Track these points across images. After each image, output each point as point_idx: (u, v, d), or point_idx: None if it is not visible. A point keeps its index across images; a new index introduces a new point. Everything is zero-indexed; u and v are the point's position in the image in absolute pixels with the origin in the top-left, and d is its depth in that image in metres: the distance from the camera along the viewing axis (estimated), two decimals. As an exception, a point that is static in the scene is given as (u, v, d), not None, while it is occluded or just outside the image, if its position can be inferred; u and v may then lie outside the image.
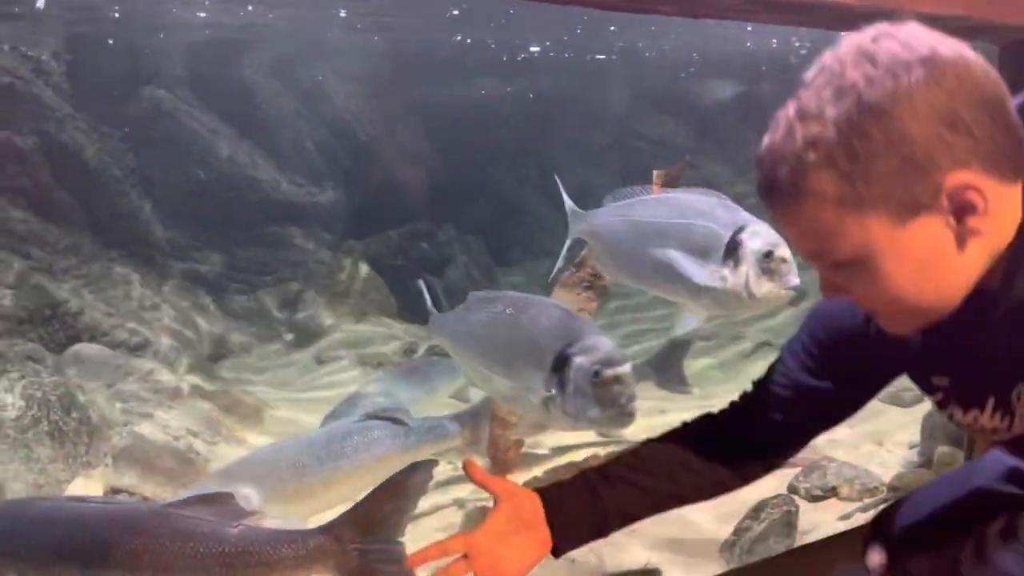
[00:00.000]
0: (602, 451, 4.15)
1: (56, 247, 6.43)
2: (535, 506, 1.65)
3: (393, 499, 2.18)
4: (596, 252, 3.33)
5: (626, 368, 2.40)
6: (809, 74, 1.24)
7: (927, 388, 1.55)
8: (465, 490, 4.25)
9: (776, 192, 1.27)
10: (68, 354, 5.18)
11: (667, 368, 4.69)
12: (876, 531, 1.74)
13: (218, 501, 2.41)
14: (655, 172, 3.68)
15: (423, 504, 4.09)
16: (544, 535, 1.64)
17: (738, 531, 3.21)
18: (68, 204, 6.74)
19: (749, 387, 1.77)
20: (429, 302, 3.49)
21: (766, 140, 1.28)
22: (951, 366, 1.47)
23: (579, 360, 2.40)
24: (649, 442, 1.77)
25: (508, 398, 2.82)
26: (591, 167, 11.26)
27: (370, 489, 2.65)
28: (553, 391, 2.45)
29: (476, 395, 4.42)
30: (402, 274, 8.58)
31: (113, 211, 7.21)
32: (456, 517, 3.84)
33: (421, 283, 3.53)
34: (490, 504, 1.66)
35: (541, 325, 2.59)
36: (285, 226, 8.58)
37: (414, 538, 3.64)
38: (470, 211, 10.11)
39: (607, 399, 2.38)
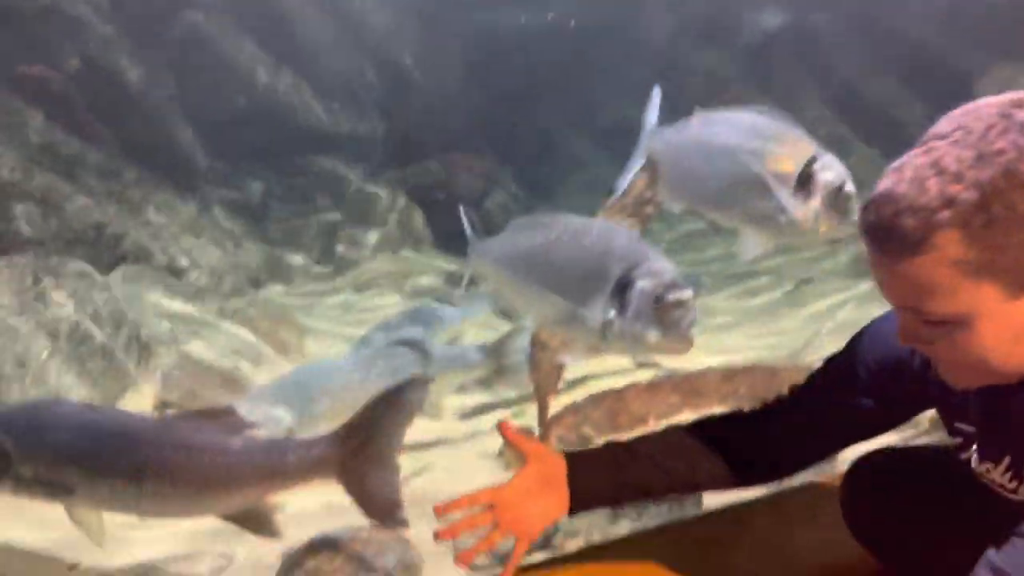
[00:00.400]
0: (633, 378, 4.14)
1: (100, 171, 6.49)
2: (560, 468, 1.77)
3: (390, 412, 2.24)
4: (663, 171, 3.21)
5: (689, 293, 2.37)
6: (941, 128, 1.24)
7: (951, 430, 1.59)
8: (503, 415, 4.29)
9: (893, 240, 1.25)
10: (116, 274, 5.27)
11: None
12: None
13: (220, 414, 2.46)
14: (696, 108, 3.61)
15: (462, 430, 4.18)
16: (564, 496, 1.77)
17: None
18: (111, 128, 6.77)
19: (785, 393, 1.82)
20: (469, 229, 3.42)
21: (888, 184, 1.25)
22: (981, 419, 1.50)
23: (642, 284, 2.38)
24: (678, 427, 1.86)
25: (561, 322, 2.74)
26: (633, 100, 11.07)
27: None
28: (612, 315, 2.43)
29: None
30: (440, 205, 8.58)
31: (155, 136, 7.25)
32: (495, 443, 3.89)
33: (461, 209, 3.47)
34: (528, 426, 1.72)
35: (603, 248, 2.54)
36: (324, 155, 8.58)
37: (455, 463, 3.72)
38: (508, 143, 10.02)
39: (669, 323, 2.35)
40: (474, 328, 5.37)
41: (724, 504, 2.62)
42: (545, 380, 3.53)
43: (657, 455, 1.80)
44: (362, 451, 2.25)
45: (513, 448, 1.84)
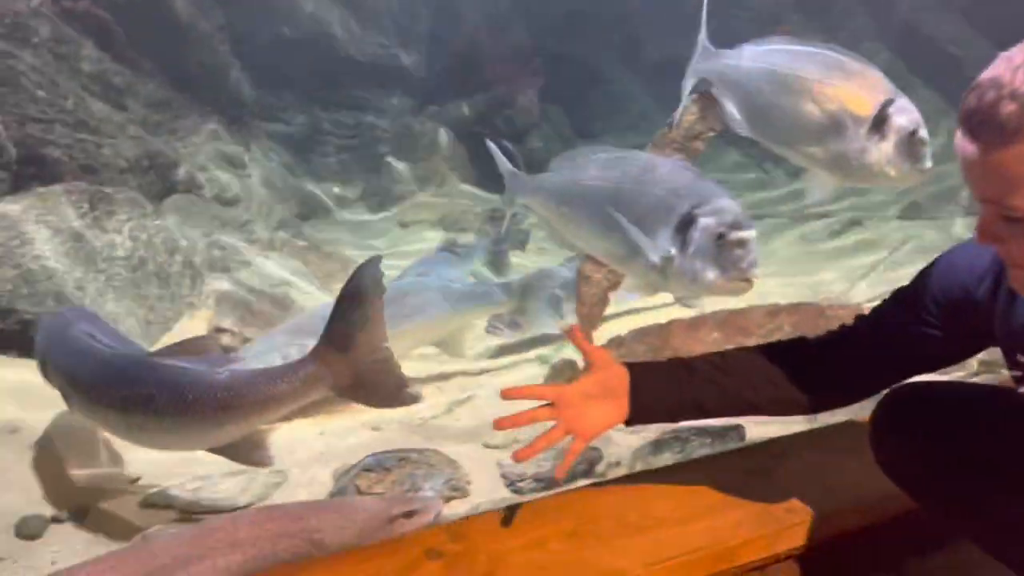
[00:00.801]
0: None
1: (150, 101, 6.55)
2: (623, 379, 1.81)
3: (356, 307, 2.24)
4: (724, 98, 3.13)
5: (752, 232, 2.38)
6: None
7: (1012, 363, 1.59)
8: (547, 348, 4.35)
9: (989, 127, 1.23)
10: (167, 203, 5.37)
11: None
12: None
13: (198, 347, 2.49)
14: (775, 32, 3.54)
15: (507, 360, 4.25)
16: (624, 405, 1.81)
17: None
18: (161, 58, 6.80)
19: (850, 321, 1.83)
20: (506, 163, 3.32)
21: (995, 71, 1.24)
22: None
23: (706, 221, 2.38)
24: (741, 349, 1.88)
25: (620, 258, 2.74)
26: (679, 36, 10.82)
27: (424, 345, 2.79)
28: (673, 251, 2.43)
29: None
30: (483, 141, 8.54)
31: (203, 68, 7.27)
32: (540, 371, 3.95)
33: (491, 144, 3.41)
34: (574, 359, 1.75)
35: (669, 184, 2.54)
36: (369, 88, 8.55)
37: (496, 394, 3.78)
38: (552, 79, 9.88)
39: (730, 262, 2.37)
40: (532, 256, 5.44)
41: (767, 437, 2.66)
42: (589, 313, 3.55)
43: (719, 375, 1.83)
44: (347, 353, 2.26)
45: (582, 353, 1.87)
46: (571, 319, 4.26)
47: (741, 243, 2.36)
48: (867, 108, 2.69)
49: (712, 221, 2.38)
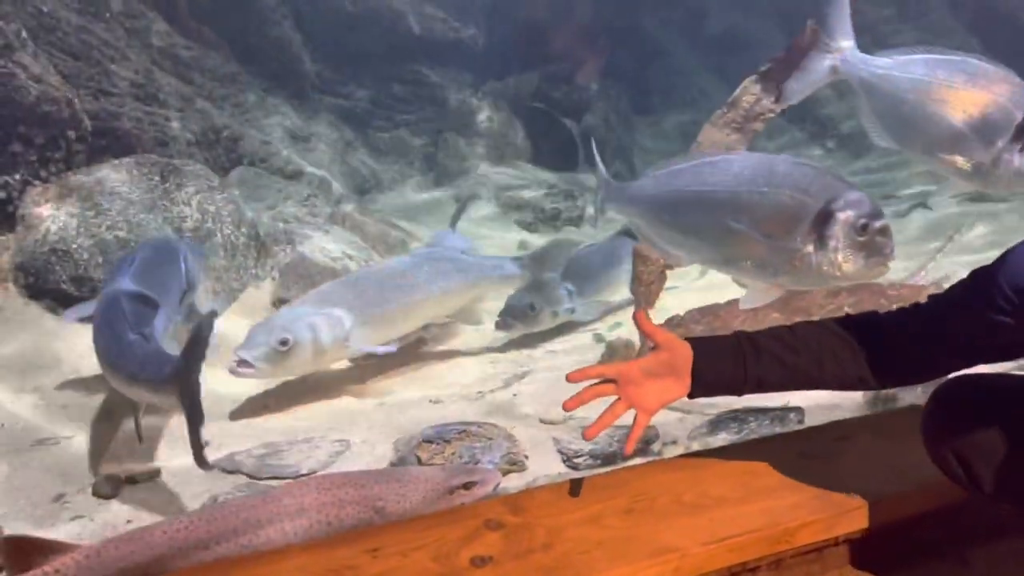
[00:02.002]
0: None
1: (216, 75, 6.67)
2: (687, 356, 1.85)
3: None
4: (867, 102, 3.07)
5: (887, 220, 2.45)
6: None
7: None
8: (602, 327, 4.37)
9: None
10: (232, 176, 5.49)
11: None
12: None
13: None
14: (809, 22, 3.46)
15: (565, 339, 4.26)
16: (686, 381, 1.86)
17: (887, 381, 3.18)
18: (226, 33, 6.92)
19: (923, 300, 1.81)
20: (603, 170, 3.22)
21: None
22: None
23: (845, 215, 2.43)
24: (808, 324, 1.90)
25: (735, 264, 2.76)
26: (740, 9, 10.61)
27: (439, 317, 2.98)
28: (810, 248, 2.47)
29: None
30: (540, 118, 8.53)
31: (266, 42, 7.37)
32: (596, 351, 3.97)
33: (572, 123, 3.38)
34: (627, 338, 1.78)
35: (793, 183, 2.54)
36: (428, 63, 8.57)
37: (555, 372, 3.80)
38: (611, 55, 9.78)
39: (875, 250, 2.42)
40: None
41: (827, 420, 2.64)
42: (647, 291, 3.55)
43: (786, 352, 1.85)
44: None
45: (648, 336, 1.91)
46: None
47: (883, 231, 2.42)
48: (1008, 117, 2.71)
49: (851, 214, 2.43)
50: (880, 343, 1.83)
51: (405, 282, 3.61)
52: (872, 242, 2.41)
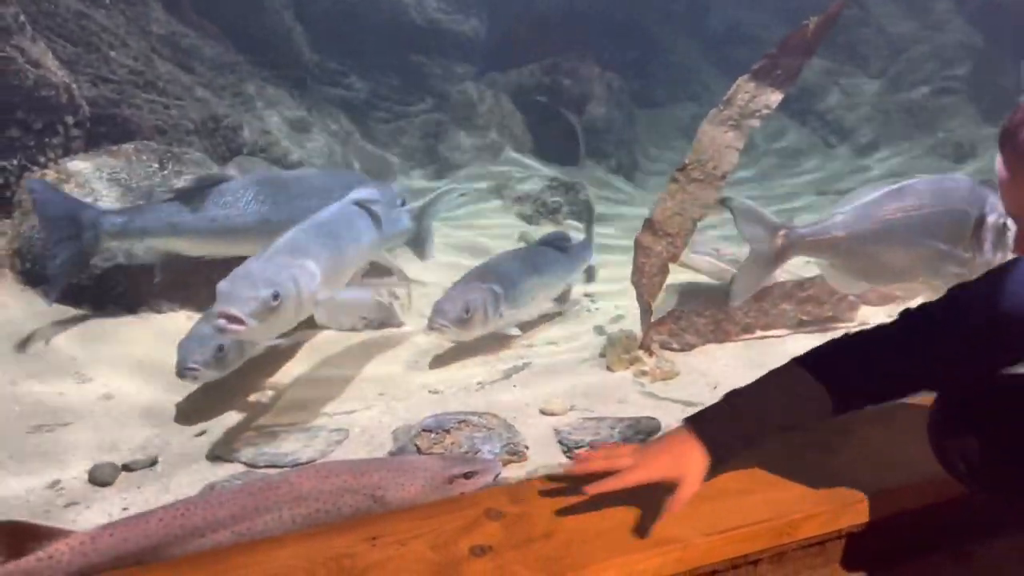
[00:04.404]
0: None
1: (216, 63, 6.63)
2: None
3: None
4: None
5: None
6: None
7: None
8: (603, 320, 4.34)
9: (1011, 145, 1.42)
10: (231, 165, 5.44)
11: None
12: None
13: None
14: (811, 19, 3.47)
15: (565, 331, 4.24)
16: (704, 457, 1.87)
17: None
18: (226, 21, 6.88)
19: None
20: (774, 219, 3.31)
21: None
22: None
23: (992, 218, 2.99)
24: (777, 372, 1.90)
25: (932, 270, 3.22)
26: (743, 4, 10.58)
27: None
28: (972, 250, 3.04)
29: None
30: (542, 109, 8.49)
31: (267, 31, 7.32)
32: (597, 341, 3.94)
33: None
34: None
35: (959, 198, 3.10)
36: (429, 54, 8.54)
37: (555, 362, 3.78)
38: (613, 48, 9.75)
39: (1006, 245, 2.98)
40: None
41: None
42: (649, 283, 3.53)
43: (757, 411, 1.88)
44: None
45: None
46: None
47: (1008, 226, 2.95)
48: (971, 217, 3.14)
49: (996, 217, 2.98)
50: (856, 372, 1.87)
51: (351, 233, 3.41)
52: (1006, 237, 2.94)
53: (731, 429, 1.87)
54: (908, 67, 9.52)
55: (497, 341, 3.93)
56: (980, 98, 9.00)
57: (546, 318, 4.33)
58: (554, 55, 8.85)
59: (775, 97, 3.60)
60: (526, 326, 4.14)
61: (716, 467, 1.87)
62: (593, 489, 1.84)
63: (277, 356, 3.67)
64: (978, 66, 9.07)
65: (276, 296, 2.71)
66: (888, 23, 9.87)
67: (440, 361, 3.75)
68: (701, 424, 1.88)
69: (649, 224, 3.53)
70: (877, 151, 8.85)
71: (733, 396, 1.91)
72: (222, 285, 2.69)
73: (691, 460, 1.85)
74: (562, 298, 4.39)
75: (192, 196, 3.76)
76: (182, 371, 3.11)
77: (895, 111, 9.23)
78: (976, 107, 8.96)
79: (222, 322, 2.62)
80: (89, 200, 4.00)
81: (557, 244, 4.51)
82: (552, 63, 8.83)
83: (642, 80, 10.22)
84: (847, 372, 1.86)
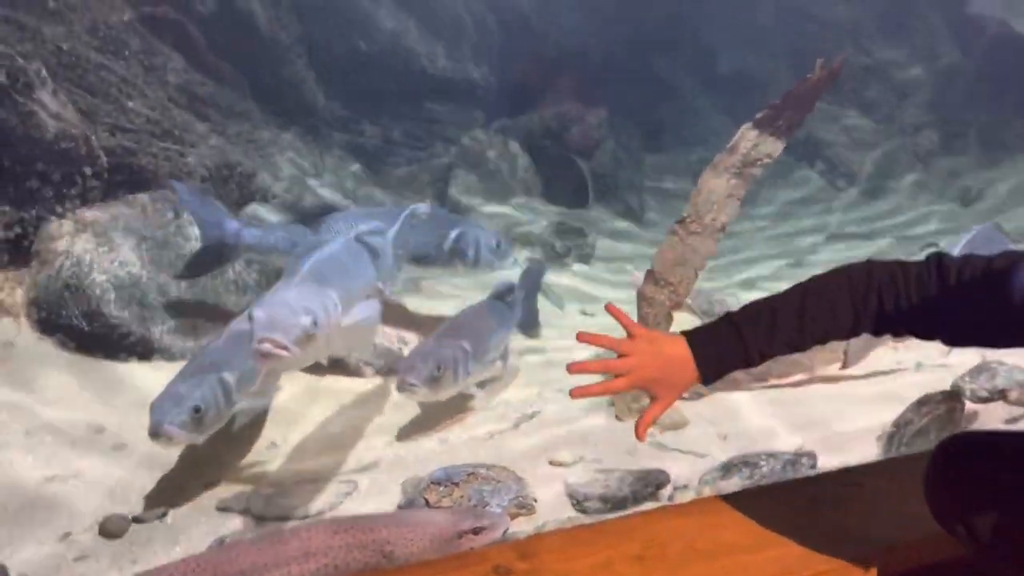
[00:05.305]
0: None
1: (231, 111, 6.75)
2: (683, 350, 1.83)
3: None
4: None
5: None
6: None
7: None
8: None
9: None
10: (245, 212, 5.53)
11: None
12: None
13: None
14: (818, 61, 3.53)
15: (573, 377, 4.23)
16: (691, 368, 1.82)
17: (899, 423, 3.16)
18: (242, 70, 7.01)
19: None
20: None
21: None
22: None
23: None
24: (807, 284, 1.82)
25: None
26: (751, 49, 10.70)
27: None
28: None
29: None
30: (550, 155, 8.59)
31: (281, 79, 7.46)
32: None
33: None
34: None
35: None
36: (440, 101, 8.66)
37: (564, 407, 3.79)
38: (621, 93, 9.86)
39: None
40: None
41: (839, 465, 2.62)
42: (656, 314, 3.55)
43: (761, 335, 1.81)
44: None
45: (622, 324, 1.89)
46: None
47: None
48: None
49: None
50: (889, 306, 1.76)
51: (358, 267, 3.40)
52: None
53: (729, 352, 1.82)
54: (915, 112, 9.60)
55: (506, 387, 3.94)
56: (986, 143, 9.08)
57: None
58: (562, 101, 8.97)
59: (777, 146, 3.65)
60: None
61: (706, 383, 1.86)
62: (578, 392, 1.81)
63: (286, 405, 3.69)
64: (984, 111, 9.16)
65: (316, 323, 2.66)
66: (894, 69, 9.98)
67: (449, 409, 3.76)
68: (698, 342, 1.83)
69: (650, 275, 3.56)
70: (885, 194, 8.89)
71: (737, 316, 1.84)
72: (259, 313, 2.61)
73: (679, 377, 1.82)
74: (503, 356, 4.01)
75: (314, 222, 4.18)
76: (156, 432, 2.82)
77: (902, 154, 9.30)
78: (983, 152, 9.03)
79: (266, 347, 2.52)
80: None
81: (504, 298, 4.24)
82: (560, 109, 8.95)
83: (649, 124, 10.32)
84: (879, 302, 1.76)
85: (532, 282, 4.60)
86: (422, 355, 3.39)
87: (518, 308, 4.38)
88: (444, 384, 3.37)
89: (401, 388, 3.31)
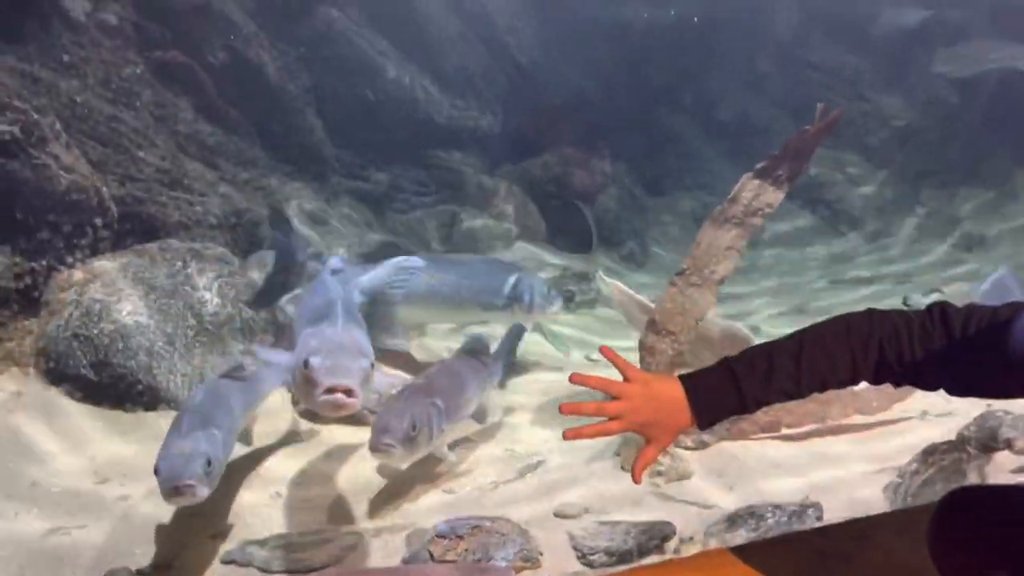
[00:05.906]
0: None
1: (239, 159, 6.85)
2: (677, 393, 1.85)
3: None
4: None
5: None
6: None
7: None
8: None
9: None
10: (252, 259, 5.57)
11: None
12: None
13: None
14: (819, 105, 3.58)
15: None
16: (687, 413, 1.84)
17: (904, 474, 3.15)
18: (251, 119, 7.12)
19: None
20: None
21: None
22: None
23: None
24: (811, 331, 1.83)
25: None
26: (751, 95, 10.83)
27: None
28: None
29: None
30: (555, 201, 8.67)
31: (289, 128, 7.57)
32: (614, 441, 3.93)
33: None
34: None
35: None
36: (446, 149, 8.77)
37: (568, 461, 3.78)
38: (624, 139, 9.98)
39: None
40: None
41: (846, 517, 2.61)
42: (657, 362, 3.56)
43: (758, 384, 1.81)
44: None
45: (616, 367, 1.91)
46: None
47: None
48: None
49: None
50: (891, 355, 1.76)
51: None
52: None
53: (724, 398, 1.82)
54: (915, 157, 9.69)
55: (512, 438, 3.92)
56: (987, 189, 9.15)
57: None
58: (566, 147, 9.08)
59: (778, 196, 3.69)
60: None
61: (701, 428, 1.88)
62: (571, 434, 1.84)
63: (287, 453, 3.69)
64: (985, 157, 9.24)
65: (372, 365, 2.61)
66: (893, 114, 10.09)
67: (453, 460, 3.75)
68: (693, 387, 1.84)
69: (652, 324, 3.58)
70: (887, 239, 8.94)
71: (734, 361, 1.84)
72: (316, 360, 2.48)
73: (673, 420, 1.84)
74: (479, 415, 3.85)
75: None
76: (178, 490, 2.64)
77: (904, 200, 9.37)
78: (984, 198, 9.10)
79: (340, 397, 2.42)
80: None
81: (479, 355, 4.16)
82: (564, 155, 9.06)
83: (652, 170, 10.43)
84: (880, 352, 1.75)
85: (511, 341, 4.77)
86: (396, 413, 3.18)
87: (498, 364, 4.32)
88: (419, 443, 3.19)
89: (375, 448, 3.08)
